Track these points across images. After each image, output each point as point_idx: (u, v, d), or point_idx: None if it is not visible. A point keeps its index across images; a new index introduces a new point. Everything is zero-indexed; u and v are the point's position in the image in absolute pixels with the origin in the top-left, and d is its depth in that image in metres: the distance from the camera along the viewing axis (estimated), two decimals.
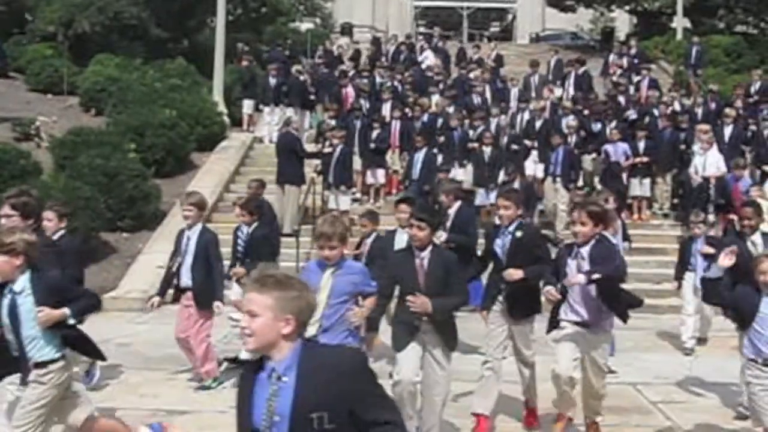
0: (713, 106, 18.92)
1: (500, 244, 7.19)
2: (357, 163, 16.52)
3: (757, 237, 8.26)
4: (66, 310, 5.52)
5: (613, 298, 6.55)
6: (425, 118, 17.76)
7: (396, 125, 17.33)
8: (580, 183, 16.50)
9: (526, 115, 17.88)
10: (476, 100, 19.67)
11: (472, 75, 21.56)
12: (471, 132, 17.15)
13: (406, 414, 6.22)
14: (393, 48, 25.18)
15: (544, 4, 41.12)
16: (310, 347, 3.28)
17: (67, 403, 5.83)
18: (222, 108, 20.79)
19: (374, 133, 16.89)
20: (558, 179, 15.81)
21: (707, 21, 30.91)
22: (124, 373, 9.21)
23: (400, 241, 8.52)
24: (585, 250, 6.42)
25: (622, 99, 19.42)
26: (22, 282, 5.44)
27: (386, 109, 18.31)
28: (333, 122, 17.65)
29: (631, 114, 18.66)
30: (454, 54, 25.95)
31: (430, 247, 6.34)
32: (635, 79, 21.79)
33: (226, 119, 20.65)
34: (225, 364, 8.96)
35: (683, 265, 10.50)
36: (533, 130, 17.18)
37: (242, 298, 10.31)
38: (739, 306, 6.14)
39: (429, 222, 6.33)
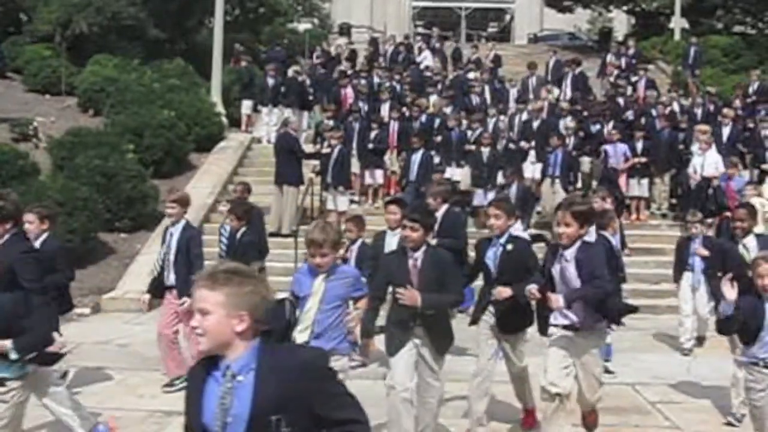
0: (711, 108, 18.95)
1: (491, 256, 7.05)
2: (355, 165, 16.53)
3: (750, 240, 8.15)
4: (8, 344, 5.34)
5: (601, 307, 6.28)
6: (423, 118, 17.77)
7: (394, 126, 17.33)
8: (578, 185, 16.50)
9: (524, 116, 17.88)
10: (475, 100, 19.68)
11: (471, 75, 21.55)
12: (469, 132, 17.16)
13: (403, 429, 6.15)
14: (391, 48, 25.17)
15: (542, 4, 41.15)
16: (269, 346, 3.12)
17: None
18: (220, 108, 20.79)
19: (372, 134, 16.90)
20: (557, 181, 15.80)
21: (705, 21, 30.93)
22: (122, 373, 9.21)
23: (390, 243, 8.39)
24: (570, 253, 6.08)
25: (621, 100, 19.41)
26: None
27: (384, 110, 18.32)
28: (331, 123, 17.66)
29: (629, 115, 18.68)
30: (450, 54, 25.92)
31: (423, 247, 6.24)
32: (632, 79, 21.80)
33: (224, 120, 20.66)
34: None
35: (681, 265, 10.50)
36: (530, 130, 17.18)
37: None
38: (748, 323, 5.89)
39: (422, 223, 6.23)
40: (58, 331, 6.51)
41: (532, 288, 6.18)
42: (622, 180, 16.31)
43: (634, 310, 6.93)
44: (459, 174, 16.70)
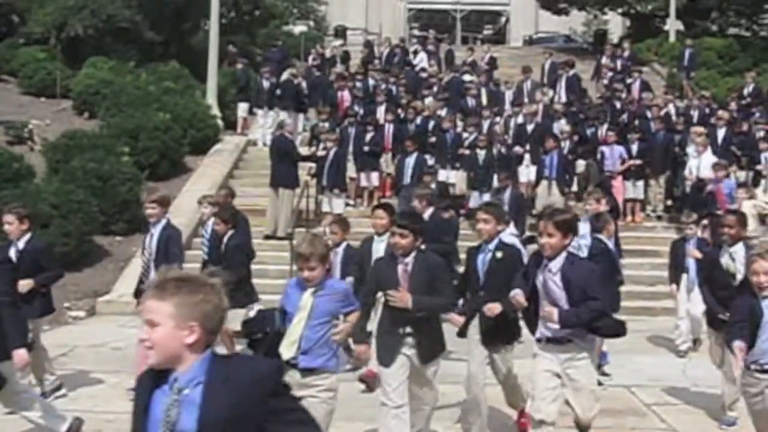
0: (707, 111, 19.01)
1: (480, 262, 6.93)
2: (351, 169, 16.53)
3: (738, 248, 7.80)
4: None
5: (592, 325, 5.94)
6: (418, 120, 17.78)
7: (389, 128, 17.34)
8: (574, 188, 16.51)
9: (520, 119, 17.86)
10: (471, 102, 19.69)
11: (466, 78, 21.56)
12: (464, 135, 17.15)
13: None
14: (387, 51, 25.19)
15: (537, 6, 41.12)
16: (220, 359, 2.94)
17: None
18: (216, 111, 20.77)
19: (368, 137, 16.90)
20: (553, 183, 15.79)
21: (700, 23, 30.99)
22: (118, 376, 9.19)
23: (377, 249, 8.26)
24: (555, 265, 5.73)
25: (618, 104, 19.44)
26: None
27: (380, 112, 18.33)
28: (326, 125, 17.66)
29: (624, 117, 18.72)
30: (443, 56, 25.92)
31: (414, 253, 6.11)
32: (627, 81, 21.84)
33: (219, 122, 20.64)
34: None
35: (677, 266, 10.50)
36: (525, 134, 17.13)
37: None
38: (743, 324, 5.75)
39: (412, 229, 6.10)
40: (26, 341, 6.49)
41: (518, 296, 5.95)
42: (618, 182, 16.33)
43: (622, 333, 6.45)
44: (454, 177, 16.71)
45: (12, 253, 7.77)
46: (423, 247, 6.24)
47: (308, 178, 15.80)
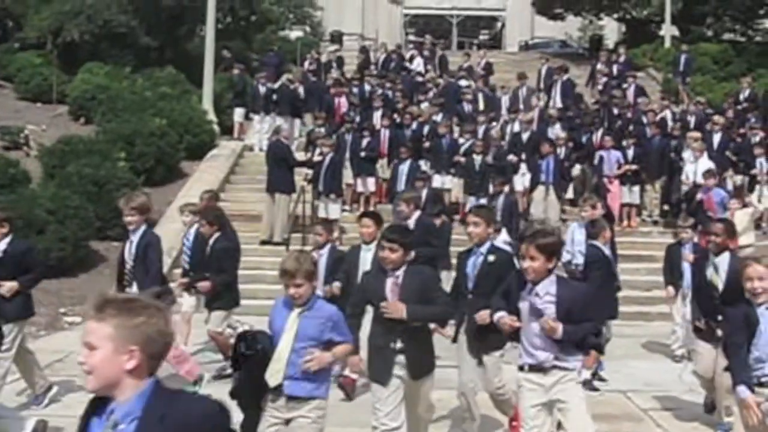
0: (702, 114, 19.06)
1: (470, 266, 6.85)
2: (347, 175, 16.53)
3: (723, 258, 7.62)
4: None
5: (579, 343, 5.63)
6: (414, 126, 17.79)
7: (385, 133, 17.36)
8: (570, 194, 16.54)
9: (516, 126, 17.81)
10: (467, 108, 19.70)
11: (463, 83, 21.58)
12: (461, 140, 17.15)
13: None
14: (383, 56, 25.20)
15: (533, 12, 41.21)
16: (161, 392, 2.72)
17: None
18: (212, 116, 20.78)
19: (364, 142, 16.92)
20: (550, 188, 15.78)
21: (695, 29, 31.07)
22: None
23: (365, 257, 8.19)
24: (543, 289, 5.41)
25: (615, 110, 19.48)
26: None
27: (376, 118, 18.34)
28: (323, 130, 17.67)
29: (619, 122, 18.77)
30: (438, 62, 25.89)
31: (404, 267, 5.90)
32: (622, 86, 21.87)
33: (215, 127, 20.64)
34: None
35: (672, 271, 10.49)
36: (521, 142, 17.02)
37: (192, 310, 10.05)
38: (738, 334, 5.52)
39: (401, 243, 5.88)
40: None
41: (505, 319, 5.61)
42: (614, 186, 16.36)
43: (600, 350, 6.31)
44: (449, 182, 16.72)
45: None
46: (412, 253, 6.12)
47: (304, 184, 15.81)
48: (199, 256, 9.71)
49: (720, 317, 7.35)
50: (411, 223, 10.38)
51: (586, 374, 9.22)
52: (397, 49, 26.86)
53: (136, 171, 16.76)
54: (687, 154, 16.33)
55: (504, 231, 11.59)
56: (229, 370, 7.99)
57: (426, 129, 17.65)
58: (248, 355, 5.38)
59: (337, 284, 8.72)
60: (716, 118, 17.98)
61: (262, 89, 20.13)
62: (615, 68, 23.46)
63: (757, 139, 17.35)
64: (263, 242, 15.02)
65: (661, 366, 10.41)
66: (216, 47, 21.37)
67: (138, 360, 2.68)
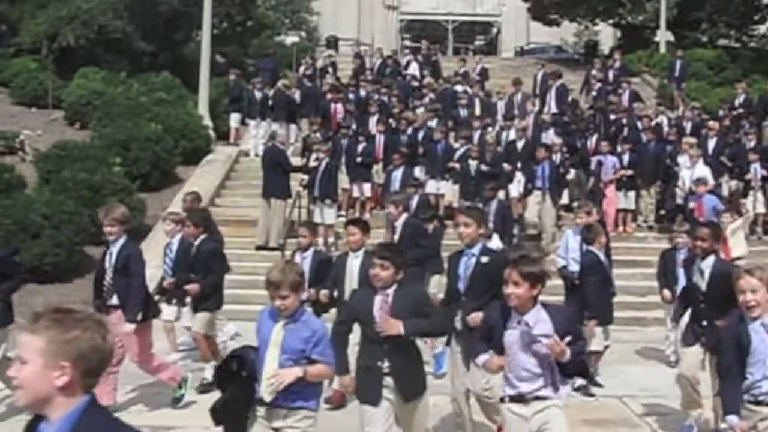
0: (697, 119, 19.11)
1: (463, 268, 6.81)
2: (343, 181, 16.54)
3: (708, 262, 7.54)
4: None
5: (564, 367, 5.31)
6: (409, 131, 17.80)
7: (380, 139, 17.37)
8: (565, 200, 16.55)
9: (512, 134, 17.76)
10: (463, 113, 19.71)
11: (459, 88, 21.60)
12: (456, 145, 17.15)
13: None
14: (378, 62, 25.23)
15: (528, 17, 41.29)
16: (93, 413, 2.57)
17: None
18: (207, 122, 20.77)
19: (360, 147, 16.92)
20: (545, 194, 15.77)
21: (690, 35, 31.16)
22: None
23: (352, 265, 8.15)
24: (532, 318, 5.15)
25: (612, 116, 19.52)
26: None
27: (372, 123, 18.34)
28: (318, 135, 17.67)
29: (613, 128, 18.81)
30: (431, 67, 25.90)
31: (394, 286, 5.74)
32: (618, 92, 21.91)
33: (211, 133, 20.63)
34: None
35: (666, 276, 10.50)
36: (515, 151, 16.90)
37: (174, 319, 9.94)
38: (728, 352, 5.25)
39: (393, 261, 5.72)
40: None
41: (494, 360, 5.28)
42: (611, 191, 16.38)
43: (587, 375, 6.19)
44: (444, 187, 16.72)
45: None
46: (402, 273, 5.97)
47: (300, 189, 15.81)
48: (183, 261, 9.63)
49: (705, 322, 7.34)
50: (398, 225, 10.41)
51: (581, 380, 9.24)
52: (393, 54, 26.89)
53: (132, 176, 16.74)
54: (682, 160, 16.37)
55: (496, 237, 11.58)
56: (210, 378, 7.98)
57: (421, 134, 17.66)
58: (238, 374, 5.31)
59: (324, 292, 8.68)
60: (711, 123, 18.03)
61: (258, 94, 20.14)
62: (611, 74, 23.51)
63: (752, 144, 17.42)
64: (259, 247, 15.01)
65: (657, 371, 10.41)
66: (212, 53, 21.37)
67: (70, 377, 2.54)
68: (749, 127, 18.61)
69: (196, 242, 9.35)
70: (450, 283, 7.10)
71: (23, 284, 8.63)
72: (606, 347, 9.62)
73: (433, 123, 18.23)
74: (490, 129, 18.46)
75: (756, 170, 16.41)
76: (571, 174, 17.01)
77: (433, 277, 11.37)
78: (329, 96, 20.21)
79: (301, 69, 24.35)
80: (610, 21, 34.84)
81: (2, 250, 8.49)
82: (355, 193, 16.97)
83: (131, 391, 9.09)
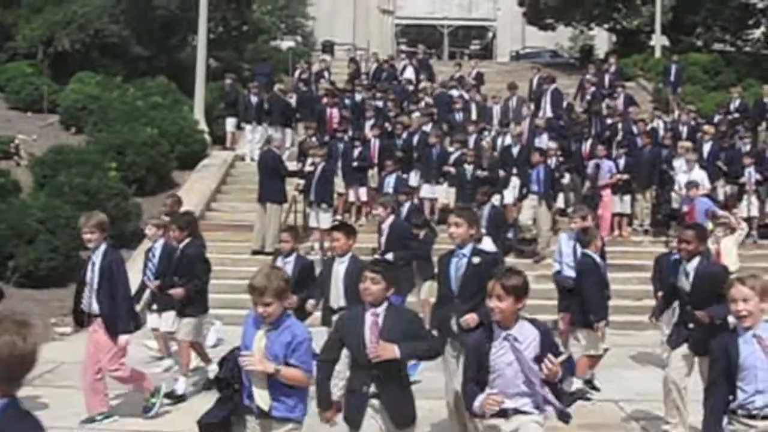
0: (692, 123, 19.15)
1: (453, 269, 6.76)
2: (339, 185, 16.54)
3: (693, 264, 7.44)
4: None
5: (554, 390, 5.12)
6: (404, 135, 17.81)
7: (375, 143, 17.38)
8: (561, 203, 16.55)
9: (508, 139, 17.74)
10: (458, 117, 19.72)
11: (454, 93, 21.62)
12: (450, 149, 17.15)
13: None
14: (374, 66, 25.24)
15: (523, 22, 41.38)
16: (12, 416, 2.53)
17: None
18: (203, 126, 20.78)
19: (356, 152, 16.93)
20: (541, 198, 15.76)
21: (685, 39, 31.24)
22: None
23: (338, 270, 8.08)
24: (518, 333, 4.95)
25: (609, 120, 19.55)
26: None
27: (368, 127, 18.35)
28: (314, 140, 17.68)
29: (607, 132, 18.85)
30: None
31: (385, 305, 5.44)
32: (613, 96, 21.95)
33: (207, 137, 20.64)
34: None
35: (661, 280, 10.50)
36: (511, 157, 16.86)
37: (157, 325, 9.75)
38: (728, 358, 4.94)
39: (384, 276, 5.44)
40: None
41: (493, 398, 4.92)
42: (607, 195, 16.39)
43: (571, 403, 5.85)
44: (439, 192, 16.72)
45: None
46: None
47: (296, 194, 15.80)
48: (167, 265, 9.52)
49: (691, 325, 7.33)
50: (385, 227, 10.39)
51: (578, 383, 9.24)
52: (390, 59, 26.91)
53: (127, 181, 16.73)
54: (678, 164, 16.40)
55: (489, 240, 11.55)
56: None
57: (416, 139, 17.66)
58: (225, 380, 5.25)
59: (312, 302, 8.61)
60: (706, 127, 18.08)
61: (254, 99, 20.15)
62: (606, 78, 23.54)
63: (747, 148, 17.45)
64: (254, 252, 15.00)
65: (653, 375, 10.38)
66: (208, 57, 21.39)
67: None
68: (744, 131, 18.65)
69: (181, 246, 9.22)
70: (441, 284, 7.05)
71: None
72: (606, 350, 9.63)
73: (428, 127, 18.24)
74: (486, 133, 18.45)
75: (750, 174, 16.45)
76: (566, 178, 17.02)
77: (425, 284, 11.36)
78: (325, 100, 20.22)
79: (296, 73, 24.37)
80: (606, 25, 34.92)
81: None
82: (351, 198, 16.97)
83: (125, 395, 9.07)
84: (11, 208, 13.81)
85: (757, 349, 4.84)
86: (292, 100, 20.84)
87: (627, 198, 16.71)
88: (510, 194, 16.47)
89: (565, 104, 21.36)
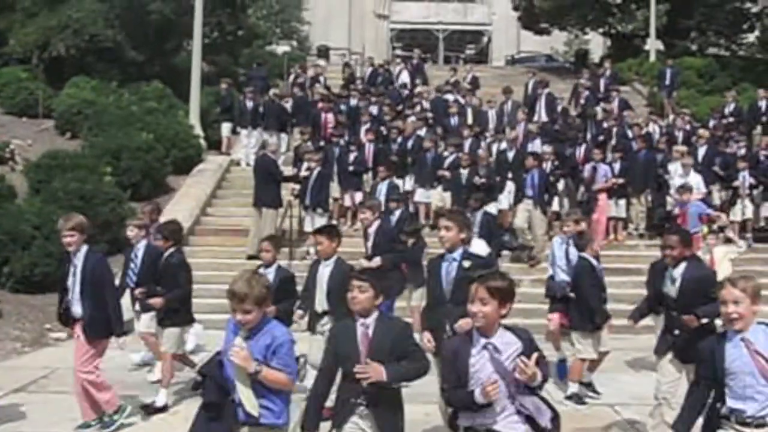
0: (687, 127, 19.19)
1: (444, 273, 6.68)
2: (335, 190, 16.53)
3: (680, 269, 7.29)
4: None
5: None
6: (399, 140, 17.81)
7: (370, 147, 17.38)
8: (556, 208, 16.56)
9: (503, 145, 17.72)
10: (453, 121, 19.73)
11: (450, 97, 21.64)
12: (445, 153, 17.16)
13: None
14: (369, 71, 25.25)
15: (518, 26, 41.47)
16: None
17: None
18: (198, 131, 20.77)
19: (351, 156, 16.93)
20: (536, 202, 15.75)
21: (680, 43, 31.31)
22: None
23: (323, 274, 8.03)
24: (498, 341, 4.64)
25: (605, 124, 19.56)
26: None
27: (363, 132, 18.36)
28: (309, 144, 17.67)
29: (601, 137, 18.88)
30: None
31: (375, 314, 5.29)
32: (609, 100, 21.98)
33: (202, 142, 20.63)
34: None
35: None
36: (506, 162, 16.85)
37: (147, 329, 9.61)
38: (714, 361, 4.82)
39: (372, 285, 5.29)
40: None
41: (491, 384, 4.57)
42: (601, 198, 16.40)
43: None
44: (433, 196, 16.71)
45: None
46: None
47: (291, 198, 15.80)
48: (151, 270, 9.36)
49: (677, 331, 7.27)
50: (371, 232, 10.37)
51: (574, 388, 9.25)
52: (385, 64, 26.92)
53: (123, 185, 16.71)
54: (673, 168, 16.43)
55: (482, 242, 11.51)
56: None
57: (411, 143, 17.67)
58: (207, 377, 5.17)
59: (300, 313, 8.51)
60: (701, 131, 18.11)
61: (249, 104, 20.15)
62: (601, 82, 23.60)
63: (742, 152, 17.49)
64: (250, 257, 14.96)
65: (649, 379, 10.33)
66: (203, 62, 21.39)
67: None
68: (739, 135, 18.69)
69: (165, 254, 9.06)
70: (431, 289, 6.94)
71: None
72: (606, 352, 9.65)
73: (422, 132, 18.26)
74: (481, 140, 18.46)
75: (744, 178, 16.49)
76: (561, 184, 17.02)
77: (416, 291, 11.30)
78: (320, 105, 20.22)
79: (291, 78, 24.38)
80: (600, 30, 34.99)
81: None
82: (347, 202, 16.97)
83: (121, 399, 9.05)
84: (6, 213, 13.78)
85: (745, 353, 4.71)
86: (288, 104, 20.84)
87: (622, 202, 16.72)
88: (505, 199, 16.46)
89: (559, 108, 21.41)
